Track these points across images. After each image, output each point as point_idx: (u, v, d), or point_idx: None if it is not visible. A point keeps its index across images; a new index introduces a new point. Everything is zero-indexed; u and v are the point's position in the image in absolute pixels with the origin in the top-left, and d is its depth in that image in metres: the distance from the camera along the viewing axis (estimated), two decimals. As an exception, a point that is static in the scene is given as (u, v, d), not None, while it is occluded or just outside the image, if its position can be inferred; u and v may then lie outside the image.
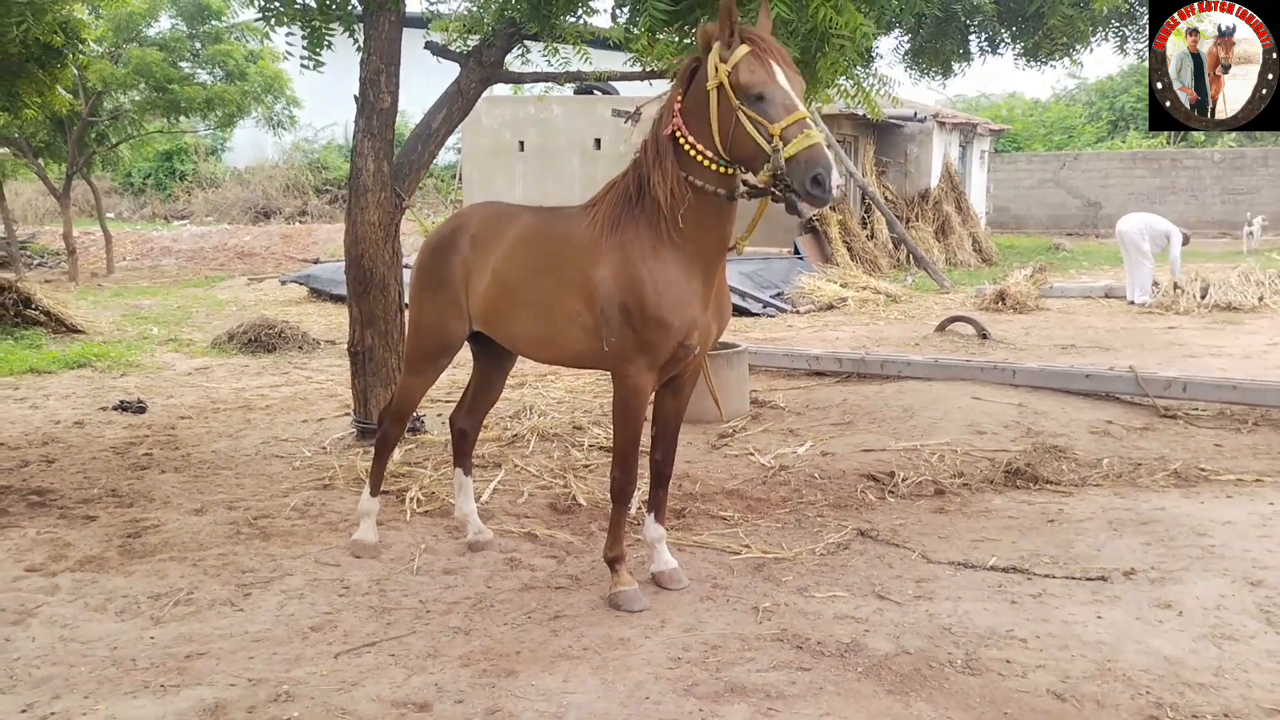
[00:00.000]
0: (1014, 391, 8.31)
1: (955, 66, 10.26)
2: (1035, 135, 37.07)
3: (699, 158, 4.14)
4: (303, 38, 4.75)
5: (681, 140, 4.17)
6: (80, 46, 7.95)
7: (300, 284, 16.83)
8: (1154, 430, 7.47)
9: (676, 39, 5.39)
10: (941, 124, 22.58)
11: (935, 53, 9.68)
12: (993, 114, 36.00)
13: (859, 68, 7.02)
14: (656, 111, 4.42)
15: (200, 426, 8.16)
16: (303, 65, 5.22)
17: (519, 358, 5.29)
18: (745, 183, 4.23)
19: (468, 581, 4.87)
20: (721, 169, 4.16)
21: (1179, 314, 13.72)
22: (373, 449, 5.52)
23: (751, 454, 7.09)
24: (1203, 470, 6.47)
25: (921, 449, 7.02)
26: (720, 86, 3.99)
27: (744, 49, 3.95)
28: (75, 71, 18.74)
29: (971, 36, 9.56)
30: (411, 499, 6.06)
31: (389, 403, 5.41)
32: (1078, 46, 9.18)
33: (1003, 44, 9.66)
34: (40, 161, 20.71)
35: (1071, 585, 4.69)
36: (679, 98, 4.22)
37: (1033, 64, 9.93)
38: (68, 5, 6.84)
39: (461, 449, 5.42)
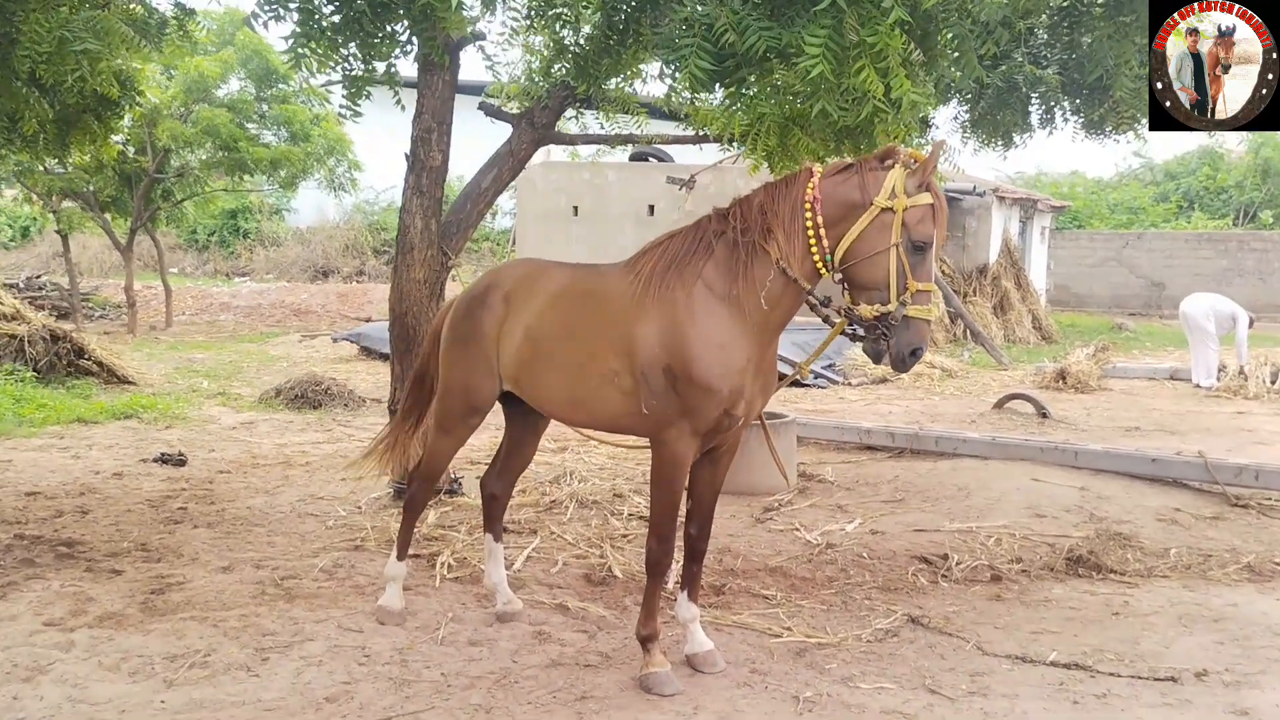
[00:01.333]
0: (1076, 474, 7.96)
1: (1016, 138, 10.03)
2: (1098, 214, 36.56)
3: (811, 243, 4.04)
4: (343, 86, 4.72)
5: (808, 216, 4.03)
6: (137, 98, 7.99)
7: (351, 342, 16.88)
8: (1224, 520, 7.08)
9: (727, 102, 5.26)
10: (1001, 199, 22.31)
11: (995, 123, 9.48)
12: (1052, 191, 35.61)
13: (917, 136, 6.89)
14: (753, 197, 4.28)
15: (238, 481, 8.06)
16: (340, 114, 5.19)
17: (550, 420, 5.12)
18: (828, 305, 4.24)
19: (493, 654, 4.65)
20: (821, 266, 4.08)
21: (1247, 399, 13.21)
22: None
23: (797, 530, 6.82)
24: (1278, 564, 6.08)
25: (977, 531, 6.70)
26: (887, 210, 3.90)
27: (928, 198, 3.90)
28: (143, 128, 19.27)
29: (1033, 108, 9.34)
30: (442, 564, 5.87)
31: (418, 463, 5.24)
32: (1143, 121, 8.93)
33: (1065, 117, 9.42)
34: (106, 216, 21.17)
35: (1138, 686, 4.36)
36: (819, 171, 4.12)
37: (1096, 137, 9.68)
38: (123, 55, 6.87)
39: (492, 513, 5.23)
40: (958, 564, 6.03)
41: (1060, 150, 58.84)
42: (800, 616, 5.17)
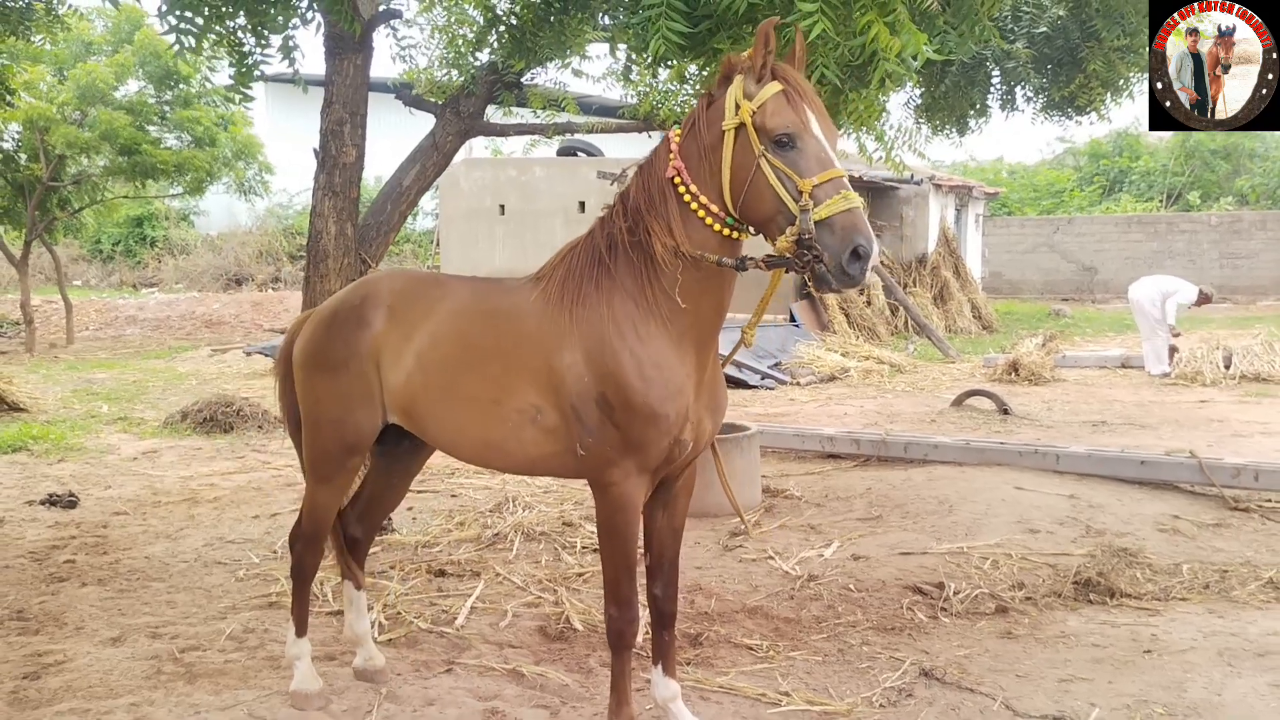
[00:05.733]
0: (1060, 479, 7.40)
1: (971, 122, 9.47)
2: (1025, 199, 36.61)
3: (699, 212, 3.32)
4: (230, 64, 3.87)
5: (681, 188, 3.34)
6: (9, 97, 7.01)
7: (265, 355, 15.80)
8: (1228, 527, 6.54)
9: (698, 71, 4.50)
10: (938, 187, 21.95)
11: (951, 107, 8.89)
12: (981, 177, 35.58)
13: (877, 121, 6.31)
14: (644, 158, 3.59)
15: (136, 525, 7.13)
16: (226, 97, 4.35)
17: (432, 454, 4.40)
18: (745, 266, 3.36)
19: (438, 747, 3.86)
20: (725, 230, 3.32)
21: (1205, 386, 12.87)
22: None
23: (771, 558, 6.12)
24: (1301, 578, 5.54)
25: (969, 552, 6.06)
26: (740, 128, 3.18)
27: (775, 86, 3.16)
28: (34, 134, 17.97)
29: (993, 88, 8.76)
30: (372, 623, 5.04)
31: (296, 522, 4.39)
32: (1114, 98, 8.43)
33: (1027, 97, 8.86)
34: (-1, 228, 19.80)
35: (1204, 750, 3.73)
36: (677, 136, 3.40)
37: (1057, 118, 9.16)
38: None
39: (354, 558, 4.44)
40: (956, 594, 5.38)
41: (988, 137, 59.33)
42: (794, 673, 4.46)
